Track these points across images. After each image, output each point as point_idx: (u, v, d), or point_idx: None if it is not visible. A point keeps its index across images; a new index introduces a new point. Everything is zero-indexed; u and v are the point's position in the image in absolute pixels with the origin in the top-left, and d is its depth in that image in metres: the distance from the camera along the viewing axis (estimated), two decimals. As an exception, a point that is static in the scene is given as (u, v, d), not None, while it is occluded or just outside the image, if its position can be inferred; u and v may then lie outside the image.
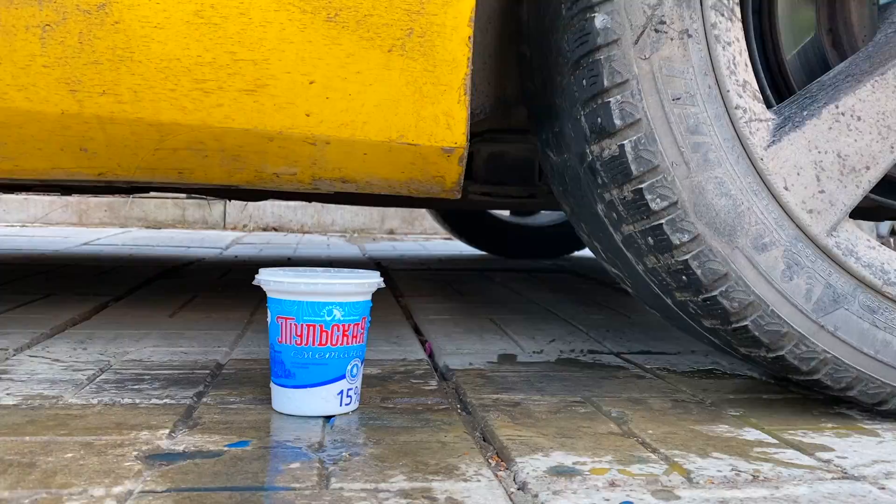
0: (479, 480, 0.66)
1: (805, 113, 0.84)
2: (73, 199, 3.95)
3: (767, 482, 0.68)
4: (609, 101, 0.81)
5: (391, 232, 4.31)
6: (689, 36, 0.81)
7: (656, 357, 1.19)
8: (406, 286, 1.92)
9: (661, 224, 0.82)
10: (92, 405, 0.83)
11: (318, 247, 3.19)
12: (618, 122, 0.81)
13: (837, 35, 1.02)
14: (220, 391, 0.91)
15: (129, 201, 4.00)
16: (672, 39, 0.80)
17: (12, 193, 3.66)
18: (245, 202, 4.02)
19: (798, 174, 0.82)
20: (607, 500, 0.63)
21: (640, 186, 0.81)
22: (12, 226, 3.82)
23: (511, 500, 0.63)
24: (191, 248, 2.92)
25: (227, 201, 4.11)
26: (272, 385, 0.84)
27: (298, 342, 0.81)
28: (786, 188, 0.82)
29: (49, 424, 0.76)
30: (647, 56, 0.80)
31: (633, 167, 0.81)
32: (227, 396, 0.88)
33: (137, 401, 0.85)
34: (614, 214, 0.86)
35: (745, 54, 0.83)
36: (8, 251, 2.51)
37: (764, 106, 0.84)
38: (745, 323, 0.83)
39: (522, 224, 2.91)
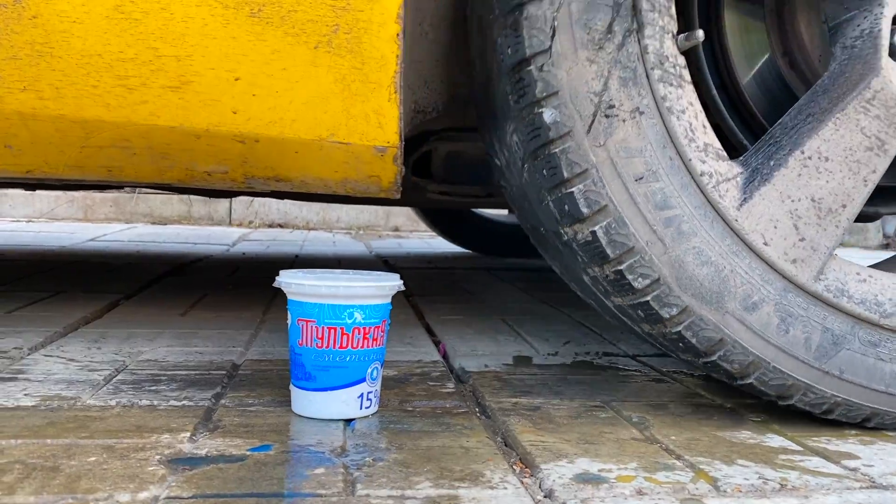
0: (505, 488, 0.65)
1: (772, 163, 0.82)
2: (79, 194, 3.95)
3: (796, 491, 0.67)
4: (573, 191, 0.79)
5: (396, 229, 4.30)
6: (641, 113, 0.79)
7: (672, 360, 1.19)
8: (416, 285, 1.91)
9: (648, 301, 0.81)
10: (111, 407, 0.82)
11: (325, 244, 3.18)
12: (585, 210, 0.80)
13: (793, 57, 1.01)
14: (238, 393, 0.90)
15: (135, 197, 3.99)
16: (624, 121, 0.79)
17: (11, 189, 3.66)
18: (251, 199, 4.02)
19: (775, 227, 0.81)
20: (636, 508, 0.62)
21: (619, 268, 0.81)
22: (18, 221, 3.81)
23: (539, 507, 0.62)
24: (197, 245, 2.91)
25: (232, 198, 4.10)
26: (292, 388, 0.84)
27: (319, 345, 0.80)
28: (765, 244, 0.81)
29: (69, 427, 0.75)
30: (602, 143, 0.79)
31: (608, 251, 0.80)
32: (245, 398, 0.88)
33: (156, 402, 0.84)
34: (601, 287, 0.85)
35: (702, 115, 0.82)
36: (16, 247, 2.51)
37: (730, 163, 0.82)
38: (750, 381, 0.83)
39: (509, 222, 2.87)
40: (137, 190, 3.85)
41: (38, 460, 0.66)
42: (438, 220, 2.86)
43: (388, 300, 0.84)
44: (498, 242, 2.85)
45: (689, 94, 0.81)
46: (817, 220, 0.82)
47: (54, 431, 0.74)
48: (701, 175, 0.80)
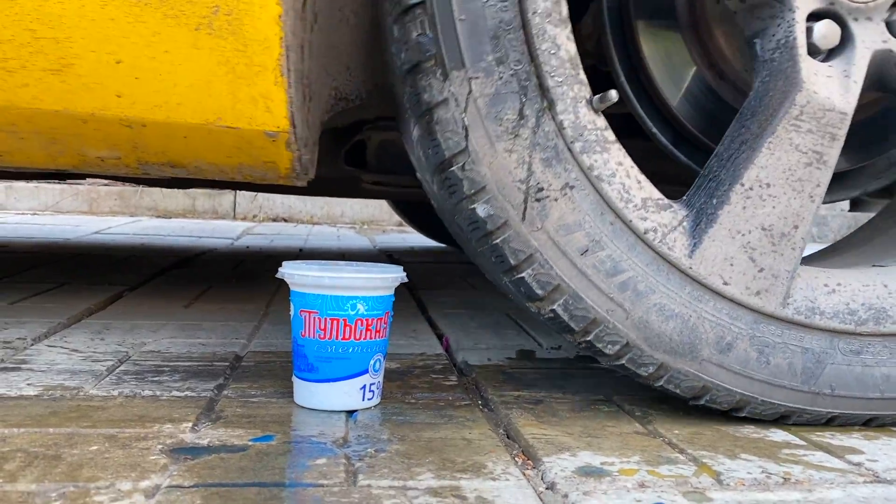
0: (507, 479, 0.65)
1: (715, 201, 0.81)
2: (84, 187, 3.95)
3: (799, 485, 0.67)
4: (524, 276, 0.79)
5: (401, 224, 4.30)
6: (572, 188, 0.78)
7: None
8: (419, 279, 1.91)
9: (623, 363, 0.81)
10: (113, 397, 0.82)
11: (329, 238, 3.18)
12: (539, 291, 0.79)
13: (719, 69, 0.99)
14: (241, 384, 0.90)
15: (140, 190, 4.00)
16: (556, 200, 0.78)
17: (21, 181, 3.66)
18: (255, 193, 4.02)
19: (732, 265, 0.80)
20: (638, 500, 0.62)
21: (587, 339, 0.81)
22: (23, 213, 3.82)
23: (541, 499, 0.62)
24: (202, 238, 2.91)
25: (237, 192, 4.11)
26: (294, 379, 0.84)
27: (322, 336, 0.80)
28: (725, 283, 0.80)
29: (72, 416, 0.75)
30: (539, 226, 0.78)
31: (572, 325, 0.80)
32: (247, 389, 0.88)
33: (158, 393, 0.84)
34: (583, 350, 0.85)
35: (634, 170, 0.80)
36: (21, 239, 2.51)
37: (673, 210, 0.81)
38: (744, 414, 0.83)
39: None
40: (142, 184, 3.86)
41: (40, 449, 0.67)
42: (412, 213, 2.83)
43: (391, 292, 0.84)
44: None
45: (616, 155, 0.80)
46: (772, 247, 0.80)
47: (56, 421, 0.74)
48: (646, 232, 0.79)
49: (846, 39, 0.83)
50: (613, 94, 0.78)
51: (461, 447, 0.72)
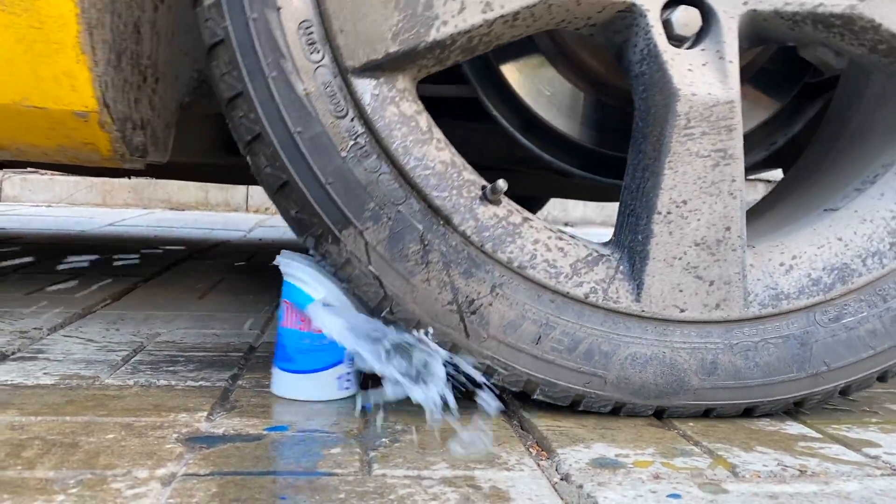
0: (521, 470, 0.65)
1: (640, 237, 0.79)
2: (98, 179, 3.97)
3: (816, 477, 0.67)
4: (496, 383, 0.79)
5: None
6: (500, 286, 0.76)
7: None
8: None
9: (622, 415, 0.81)
10: (128, 386, 0.83)
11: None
12: (516, 389, 0.79)
13: (604, 85, 0.97)
14: (255, 374, 0.90)
15: (153, 183, 4.02)
16: (491, 304, 0.76)
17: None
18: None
19: (681, 291, 0.78)
20: (654, 492, 0.62)
21: (580, 409, 0.80)
22: (38, 205, 3.85)
23: (555, 490, 0.62)
24: (214, 230, 2.92)
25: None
26: (274, 369, 0.84)
27: (301, 326, 0.80)
28: (682, 310, 0.79)
29: (88, 405, 0.76)
30: (486, 335, 0.77)
31: (560, 403, 0.80)
32: (262, 379, 0.88)
33: (173, 382, 0.85)
34: (582, 411, 0.84)
35: (554, 240, 0.79)
36: (36, 231, 2.53)
37: (606, 262, 0.79)
38: (757, 414, 0.83)
39: None
40: (155, 176, 3.87)
41: (58, 437, 0.67)
42: None
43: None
44: None
45: (529, 235, 0.78)
46: (713, 258, 0.79)
47: (73, 409, 0.74)
48: (587, 297, 0.78)
49: (708, 15, 0.79)
50: (501, 184, 0.76)
51: (475, 437, 0.72)
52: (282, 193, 0.76)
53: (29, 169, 3.41)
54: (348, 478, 0.61)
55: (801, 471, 0.68)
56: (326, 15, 0.73)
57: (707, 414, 0.81)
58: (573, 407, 0.80)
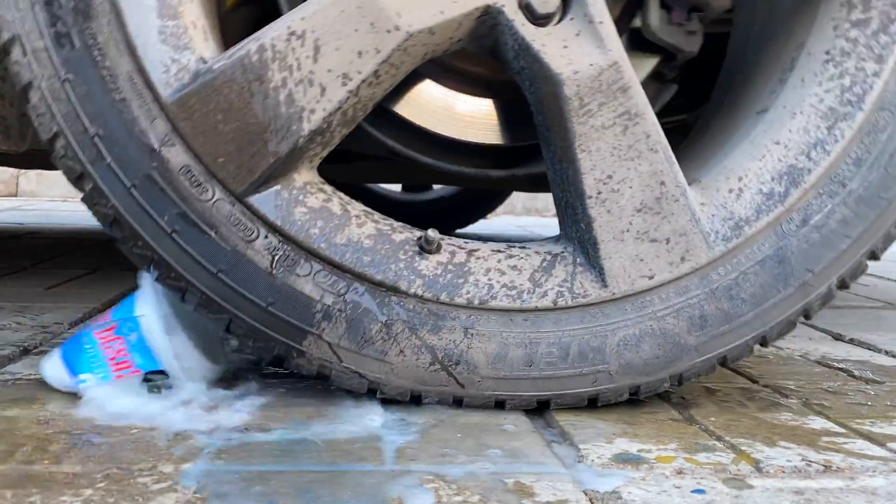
0: (544, 465, 0.65)
1: (583, 225, 0.77)
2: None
3: (841, 473, 0.66)
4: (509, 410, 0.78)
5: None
6: (472, 327, 0.76)
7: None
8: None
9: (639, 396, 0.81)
10: (151, 380, 0.83)
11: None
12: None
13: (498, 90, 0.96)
14: (278, 367, 0.91)
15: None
16: (469, 347, 0.76)
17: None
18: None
19: (642, 260, 0.77)
20: (678, 487, 0.62)
21: (599, 405, 0.80)
22: (54, 200, 3.87)
23: (579, 485, 0.62)
24: None
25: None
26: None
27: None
28: (651, 277, 0.77)
29: (111, 399, 0.76)
30: (478, 379, 0.76)
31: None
32: (285, 374, 0.88)
33: None
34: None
35: (502, 263, 0.78)
36: (53, 225, 2.55)
37: (561, 259, 0.78)
38: (769, 346, 0.84)
39: (412, 200, 2.65)
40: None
41: (83, 431, 0.67)
42: None
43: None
44: (405, 219, 2.71)
45: (482, 266, 0.77)
46: (660, 217, 0.77)
47: (97, 403, 0.75)
48: (556, 303, 0.77)
49: None
50: (432, 234, 0.76)
51: (496, 432, 0.72)
52: (233, 329, 0.76)
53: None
54: (371, 471, 0.61)
55: (825, 466, 0.68)
56: (200, 154, 0.72)
57: (724, 363, 0.80)
58: (591, 405, 0.80)
